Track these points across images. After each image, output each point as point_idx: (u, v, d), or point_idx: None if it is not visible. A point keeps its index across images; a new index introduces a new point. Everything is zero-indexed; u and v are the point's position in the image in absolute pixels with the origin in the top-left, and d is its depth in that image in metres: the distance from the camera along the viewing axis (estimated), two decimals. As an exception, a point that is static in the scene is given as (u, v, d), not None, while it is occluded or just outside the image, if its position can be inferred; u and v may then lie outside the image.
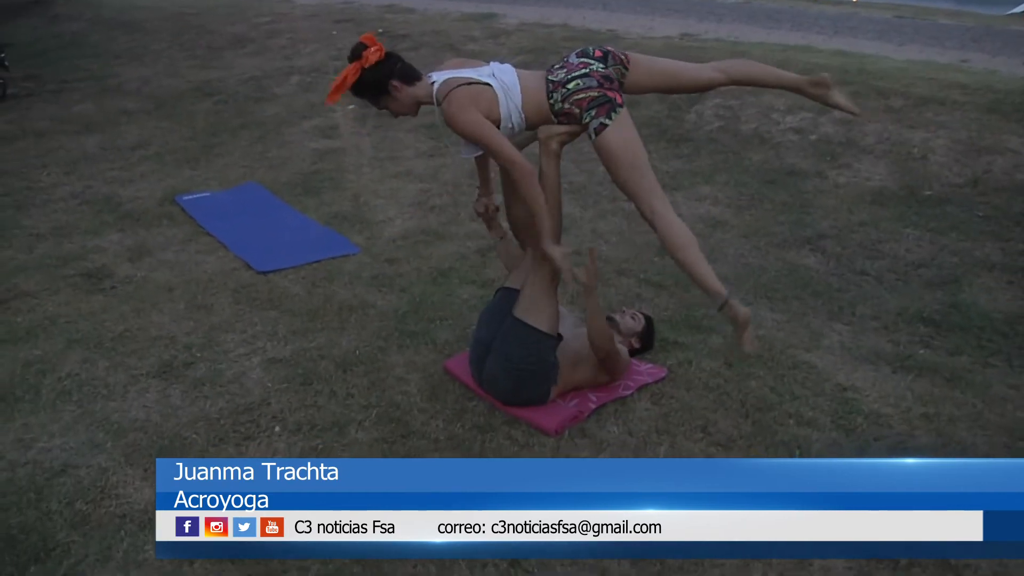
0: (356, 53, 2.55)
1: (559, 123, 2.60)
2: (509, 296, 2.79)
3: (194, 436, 2.58)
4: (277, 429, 2.61)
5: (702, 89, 2.92)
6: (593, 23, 9.30)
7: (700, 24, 9.24)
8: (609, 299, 3.47)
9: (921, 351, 3.19)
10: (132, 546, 2.18)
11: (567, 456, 2.48)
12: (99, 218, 4.49)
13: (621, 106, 2.53)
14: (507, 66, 2.65)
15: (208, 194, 4.76)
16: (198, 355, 3.06)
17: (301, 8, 10.53)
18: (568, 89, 2.54)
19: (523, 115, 2.59)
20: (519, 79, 2.59)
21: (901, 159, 4.92)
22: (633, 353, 2.96)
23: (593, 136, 2.53)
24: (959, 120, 5.20)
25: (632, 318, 3.07)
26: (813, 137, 5.32)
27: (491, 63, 2.66)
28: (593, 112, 2.51)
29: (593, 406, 2.70)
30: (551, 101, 2.57)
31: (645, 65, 2.66)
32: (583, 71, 2.56)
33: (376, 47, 2.55)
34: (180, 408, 2.74)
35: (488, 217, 3.00)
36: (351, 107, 6.61)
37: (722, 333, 3.28)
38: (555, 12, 10.32)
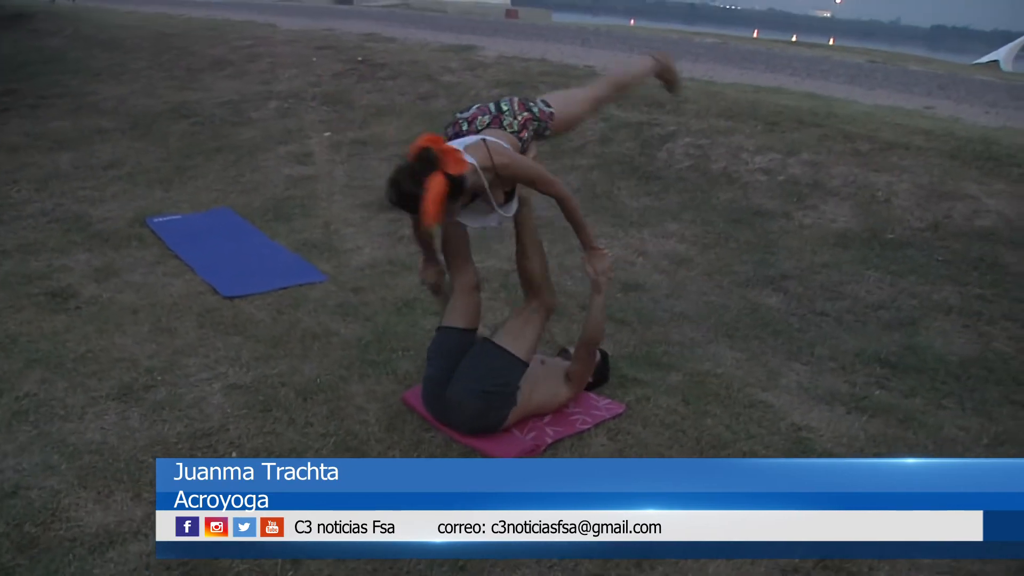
0: (430, 161, 2.27)
1: (522, 142, 2.72)
2: (452, 335, 2.83)
3: (150, 460, 2.57)
4: (234, 455, 2.60)
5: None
6: (571, 58, 9.45)
7: (684, 64, 9.41)
8: (572, 334, 3.51)
9: (876, 392, 3.25)
10: (80, 570, 2.16)
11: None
12: (67, 237, 4.47)
13: None
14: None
15: (179, 217, 4.77)
16: (159, 378, 3.05)
17: (283, 33, 10.62)
18: (504, 110, 2.72)
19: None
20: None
21: (865, 202, 5.03)
22: (588, 387, 3.01)
23: (554, 115, 2.78)
24: (922, 165, 5.34)
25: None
26: (781, 178, 5.43)
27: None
28: (534, 104, 2.76)
29: (550, 440, 2.73)
30: (508, 129, 2.68)
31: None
32: (489, 103, 2.76)
33: (452, 152, 2.32)
34: (138, 431, 2.72)
35: (437, 287, 3.02)
36: (327, 134, 6.66)
37: (681, 370, 3.33)
38: (534, 46, 10.48)
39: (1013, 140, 5.94)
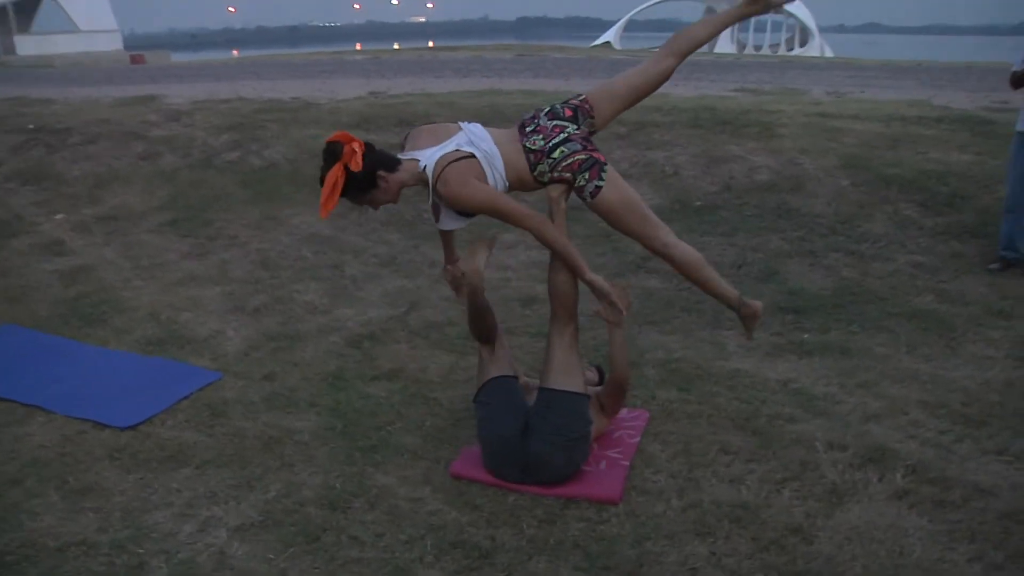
0: (334, 153, 2.44)
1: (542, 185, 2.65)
2: (506, 385, 2.69)
3: (236, 648, 2.03)
4: (333, 602, 2.16)
5: (663, 81, 2.79)
6: (272, 92, 8.96)
7: (382, 81, 9.39)
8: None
9: (804, 336, 3.66)
10: None
11: (645, 516, 2.41)
12: None
13: (606, 164, 2.57)
14: (478, 127, 2.61)
15: (-45, 352, 3.70)
16: (140, 551, 2.38)
17: None
18: (554, 158, 2.54)
19: (507, 183, 2.61)
20: (497, 146, 2.58)
21: (658, 178, 5.54)
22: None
23: (589, 199, 2.55)
24: (679, 137, 6.01)
25: (588, 371, 3.12)
26: (573, 171, 5.74)
27: (460, 125, 2.61)
28: (586, 175, 2.55)
29: (626, 463, 2.67)
30: (535, 173, 2.58)
31: (605, 97, 2.68)
32: (561, 135, 2.56)
33: (356, 143, 2.45)
34: (182, 621, 2.12)
35: (457, 283, 2.91)
36: (60, 216, 5.60)
37: (646, 364, 3.44)
38: (217, 87, 9.76)
39: (724, 105, 6.94)
